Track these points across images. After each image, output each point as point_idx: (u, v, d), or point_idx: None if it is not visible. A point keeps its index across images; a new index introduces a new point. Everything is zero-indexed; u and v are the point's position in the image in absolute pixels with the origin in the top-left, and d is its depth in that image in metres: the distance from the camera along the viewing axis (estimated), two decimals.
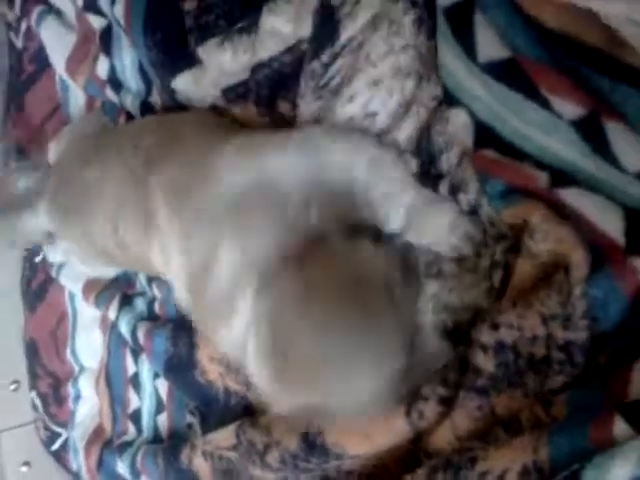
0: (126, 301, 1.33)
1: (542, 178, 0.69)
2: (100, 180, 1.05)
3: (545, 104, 0.67)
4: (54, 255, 1.47)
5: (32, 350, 1.66)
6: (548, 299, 0.66)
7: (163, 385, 1.28)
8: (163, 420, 1.29)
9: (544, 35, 0.66)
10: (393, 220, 0.82)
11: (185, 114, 1.10)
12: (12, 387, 1.83)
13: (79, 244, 1.19)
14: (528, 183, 0.70)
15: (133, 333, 1.27)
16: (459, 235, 0.78)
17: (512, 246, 0.75)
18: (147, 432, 1.33)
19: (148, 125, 1.11)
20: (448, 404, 0.75)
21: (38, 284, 1.59)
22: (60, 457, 1.64)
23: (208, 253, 0.77)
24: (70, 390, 1.56)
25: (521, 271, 0.72)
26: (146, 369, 1.32)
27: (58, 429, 1.64)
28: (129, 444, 1.34)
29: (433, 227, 0.80)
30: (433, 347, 0.78)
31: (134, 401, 1.36)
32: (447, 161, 0.79)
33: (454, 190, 0.79)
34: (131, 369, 1.36)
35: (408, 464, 0.80)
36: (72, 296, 1.51)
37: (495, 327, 0.70)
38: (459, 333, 0.79)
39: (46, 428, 1.67)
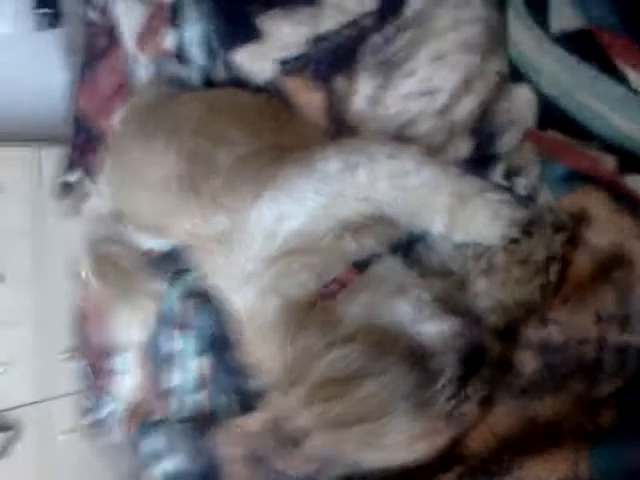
0: (177, 275, 1.32)
1: (609, 162, 0.62)
2: (144, 164, 1.07)
3: (620, 78, 0.60)
4: None
5: (82, 321, 1.68)
6: (604, 296, 0.59)
7: (205, 363, 1.26)
8: (202, 399, 1.28)
9: (620, 3, 0.59)
10: (436, 227, 0.78)
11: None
12: (64, 356, 1.88)
13: (131, 215, 1.20)
14: (593, 167, 0.63)
15: (180, 307, 1.26)
16: (502, 224, 0.72)
17: (572, 237, 0.68)
18: (185, 410, 1.31)
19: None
20: (488, 404, 0.69)
21: None
22: (104, 427, 1.65)
23: (257, 301, 0.83)
24: (116, 363, 1.57)
25: (578, 265, 0.65)
26: (191, 346, 1.30)
27: (102, 400, 1.65)
28: (166, 420, 1.33)
29: (475, 223, 0.74)
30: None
31: (175, 378, 1.35)
32: (508, 141, 0.73)
33: (510, 174, 0.73)
34: (176, 345, 1.35)
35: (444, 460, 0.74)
36: None
37: (543, 323, 0.63)
38: (506, 330, 0.73)
39: (91, 398, 1.68)
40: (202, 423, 1.24)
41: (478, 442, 0.70)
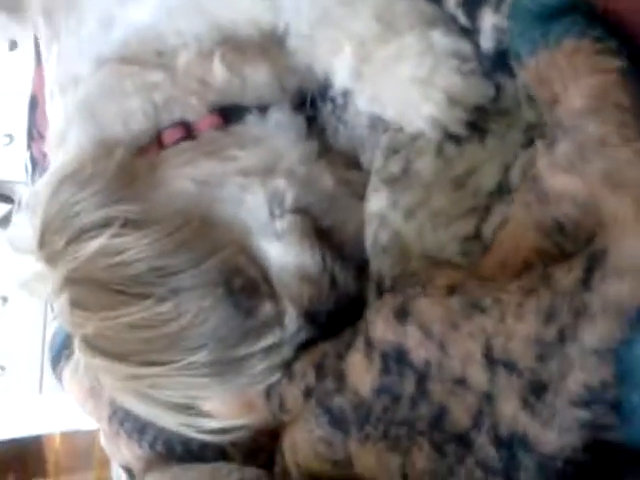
0: None
1: None
2: None
3: None
4: None
5: (33, 108, 1.48)
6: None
7: None
8: None
9: None
10: (337, 74, 0.46)
11: None
12: (4, 142, 1.73)
13: None
14: None
15: None
16: (441, 98, 0.39)
17: None
18: None
19: None
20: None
21: None
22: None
23: (60, 128, 0.53)
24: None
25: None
26: None
27: None
28: None
29: (394, 83, 0.43)
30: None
31: None
32: None
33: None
34: None
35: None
36: None
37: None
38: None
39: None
40: None
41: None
